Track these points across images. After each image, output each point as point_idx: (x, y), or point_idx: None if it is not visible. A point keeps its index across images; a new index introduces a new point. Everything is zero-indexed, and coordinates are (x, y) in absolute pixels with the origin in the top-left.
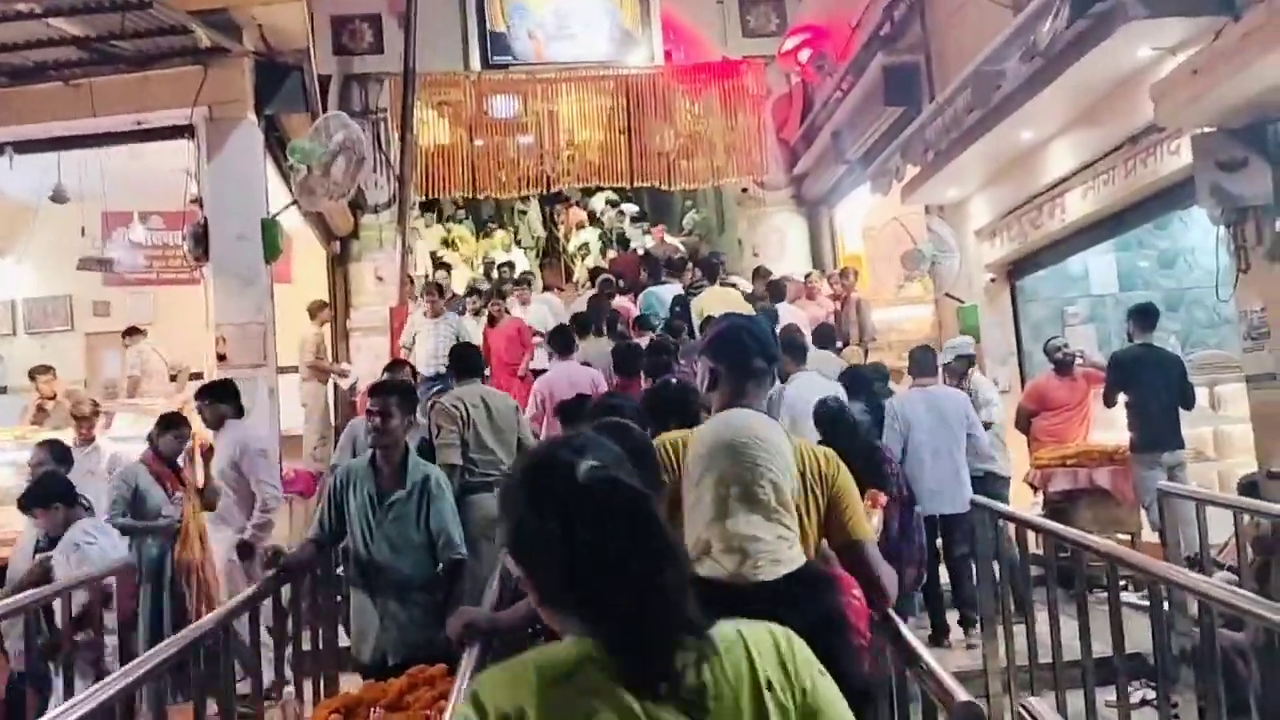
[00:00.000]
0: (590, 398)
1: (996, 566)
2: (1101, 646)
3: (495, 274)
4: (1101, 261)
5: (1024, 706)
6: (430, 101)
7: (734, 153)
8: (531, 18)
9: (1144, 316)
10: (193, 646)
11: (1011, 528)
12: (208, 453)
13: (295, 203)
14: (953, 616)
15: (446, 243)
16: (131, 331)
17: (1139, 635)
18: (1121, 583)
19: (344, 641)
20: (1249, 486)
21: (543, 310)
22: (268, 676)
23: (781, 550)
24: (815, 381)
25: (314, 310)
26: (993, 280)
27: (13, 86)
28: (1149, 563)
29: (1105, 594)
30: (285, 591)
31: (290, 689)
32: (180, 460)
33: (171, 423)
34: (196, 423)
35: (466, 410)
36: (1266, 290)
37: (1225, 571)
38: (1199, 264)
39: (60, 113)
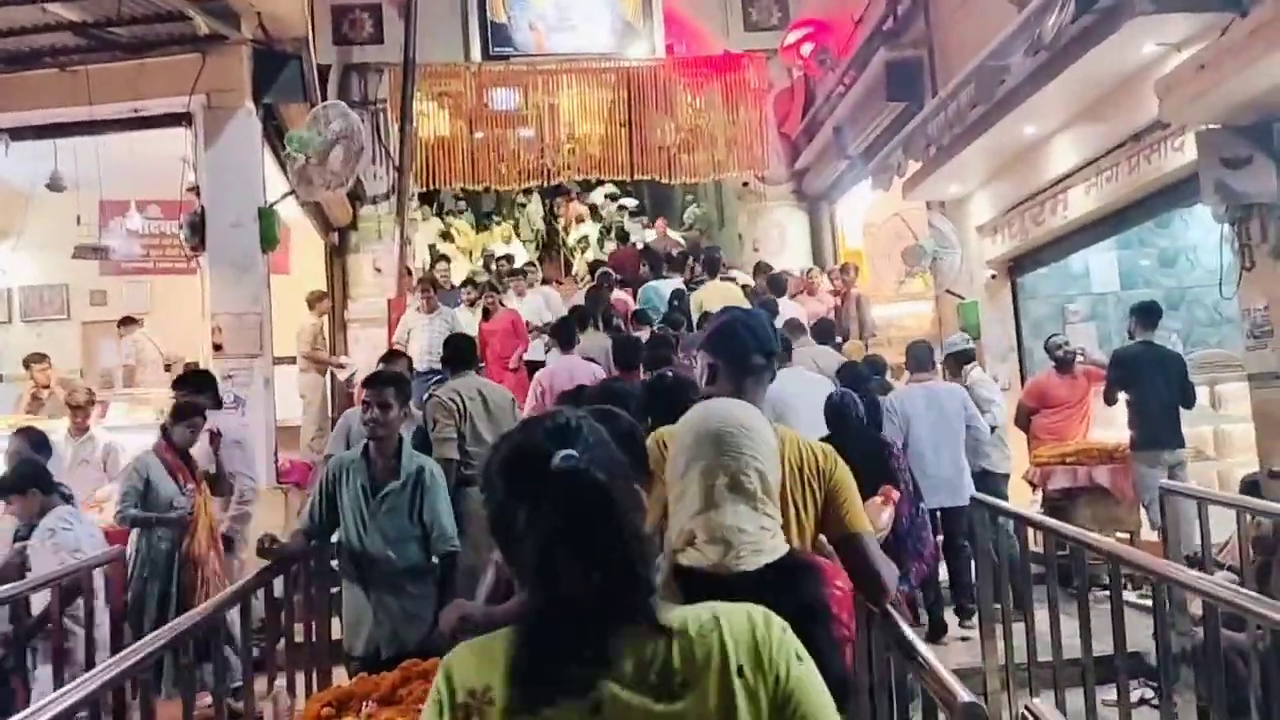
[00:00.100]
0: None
1: (996, 561)
2: (1099, 645)
3: (494, 267)
4: (1103, 259)
5: (1028, 709)
6: (430, 92)
7: (735, 147)
8: (532, 9)
9: (1146, 314)
10: (183, 638)
11: (1011, 524)
12: (216, 440)
13: (293, 192)
14: (951, 614)
15: (445, 235)
16: (127, 321)
17: (1136, 634)
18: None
19: (336, 634)
20: (1250, 486)
21: (538, 302)
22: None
23: (764, 540)
24: (802, 376)
25: (313, 301)
26: (994, 277)
27: (8, 72)
28: (1152, 561)
29: (1103, 592)
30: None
31: (281, 682)
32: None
33: (185, 412)
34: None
35: (463, 403)
36: (1270, 288)
37: (1226, 571)
38: (1200, 263)
39: (56, 99)
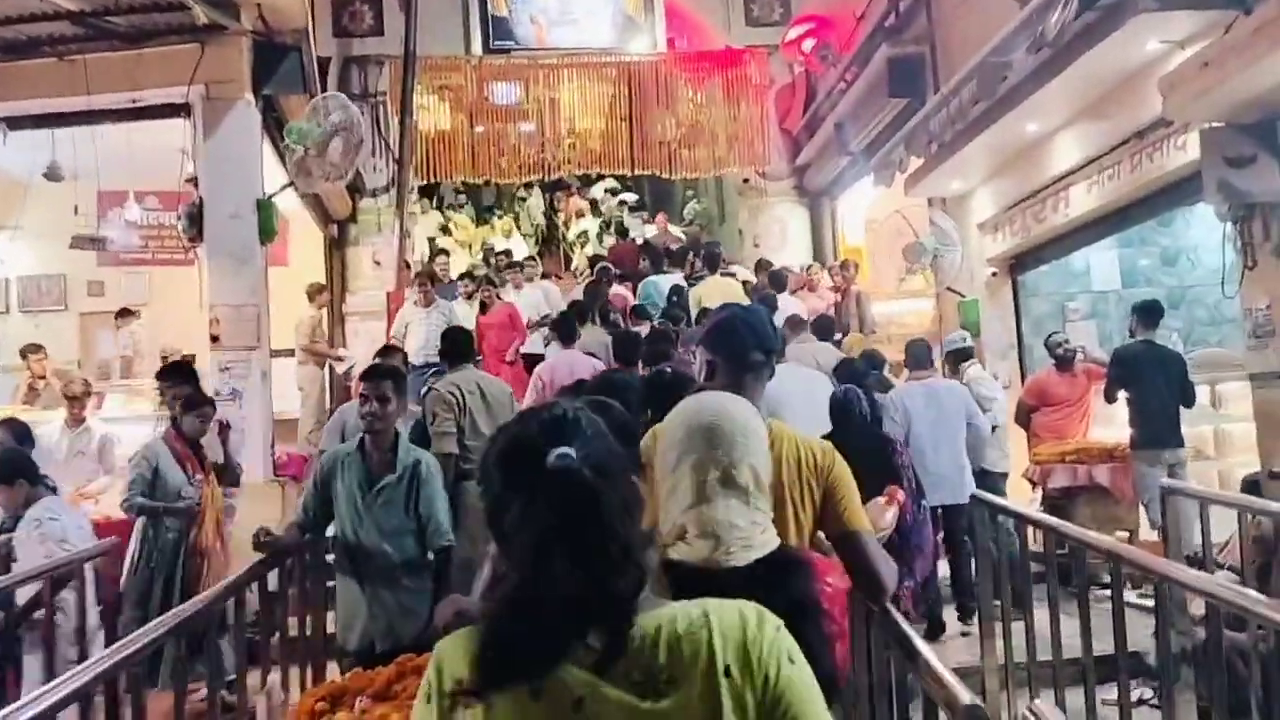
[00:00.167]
0: None
1: (996, 560)
2: (1098, 645)
3: (493, 261)
4: (1104, 258)
5: (1030, 710)
6: (431, 85)
7: (736, 142)
8: (534, 3)
9: (1148, 313)
10: (177, 631)
11: (1011, 523)
12: (225, 431)
13: (292, 184)
14: (951, 613)
15: (444, 229)
16: (124, 313)
17: (1135, 634)
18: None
19: (331, 628)
20: (1251, 485)
21: (537, 296)
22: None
23: (754, 535)
24: (799, 372)
25: (312, 293)
26: (994, 274)
27: (6, 61)
28: (1154, 561)
29: (1102, 590)
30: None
31: (275, 676)
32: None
33: (195, 402)
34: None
35: (463, 397)
36: (1272, 288)
37: (1226, 571)
38: (1201, 262)
39: (55, 89)
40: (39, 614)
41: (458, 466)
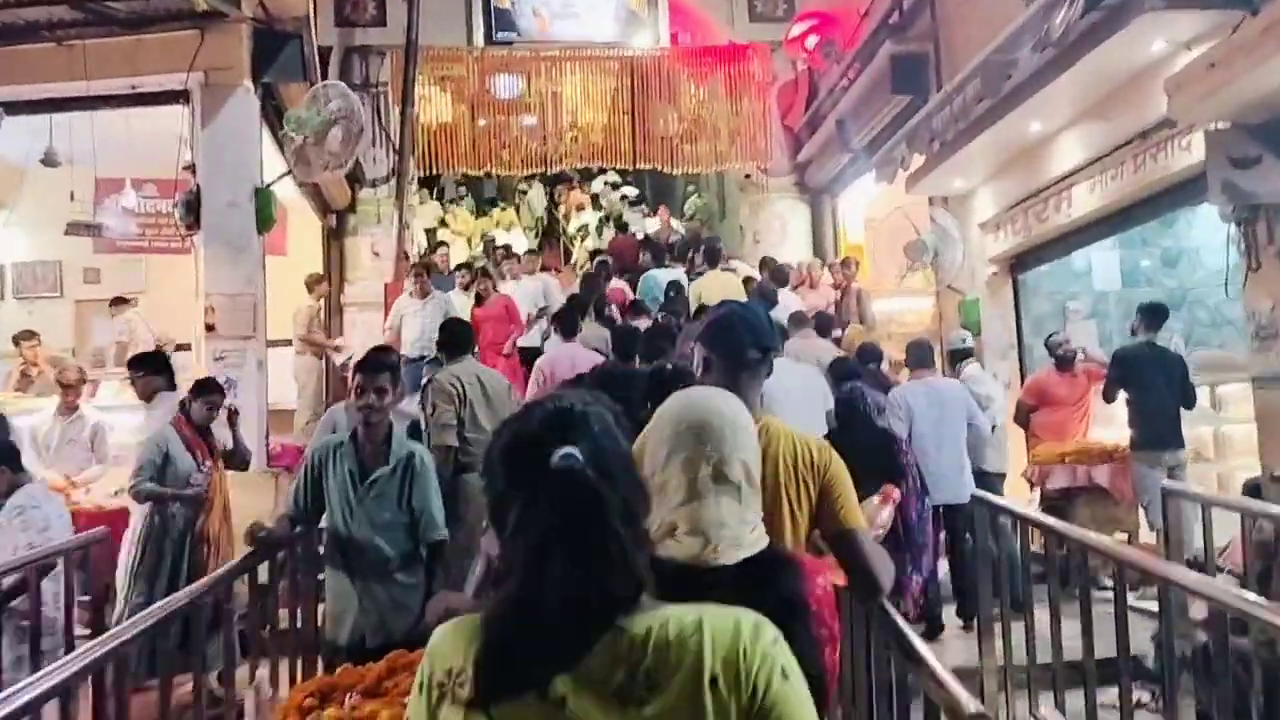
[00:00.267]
0: None
1: (996, 560)
2: (1095, 647)
3: (493, 254)
4: (1105, 258)
5: (1034, 718)
6: (432, 76)
7: (738, 138)
8: None
9: (1153, 314)
10: (165, 623)
11: (1009, 524)
12: (234, 417)
13: (290, 173)
14: (952, 615)
15: (442, 221)
16: (119, 301)
17: (1133, 637)
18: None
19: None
20: (1252, 489)
21: (536, 288)
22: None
23: (744, 534)
24: (794, 368)
25: (311, 284)
26: (995, 273)
27: (5, 46)
28: (1158, 565)
29: (1099, 592)
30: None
31: (263, 671)
32: (214, 428)
33: (203, 389)
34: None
35: (463, 388)
36: (1276, 290)
37: (1226, 574)
38: (1203, 263)
39: (52, 74)
40: (15, 603)
41: (457, 459)
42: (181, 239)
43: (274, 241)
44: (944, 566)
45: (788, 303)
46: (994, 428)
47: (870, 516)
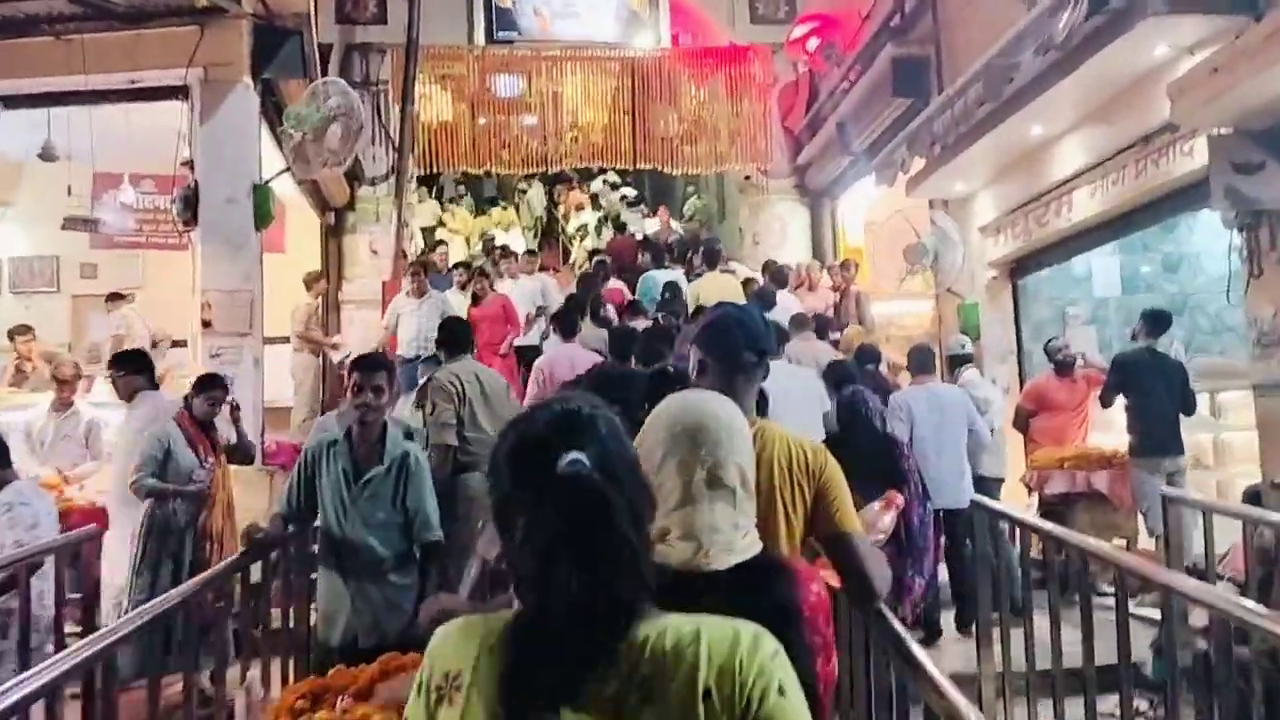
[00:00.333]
0: None
1: (995, 566)
2: (1095, 654)
3: (494, 252)
4: (1105, 263)
5: None
6: (433, 74)
7: (738, 139)
8: None
9: (1155, 320)
10: (155, 622)
11: (1006, 529)
12: (236, 412)
13: (289, 169)
14: (951, 621)
15: (440, 221)
16: (114, 297)
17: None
18: (1114, 588)
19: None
20: (1252, 497)
21: (535, 287)
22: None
23: (736, 540)
24: (791, 370)
25: (309, 281)
26: (995, 277)
27: (2, 39)
28: (1160, 573)
29: (1098, 598)
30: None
31: (254, 672)
32: (217, 423)
33: (206, 384)
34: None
35: (463, 387)
36: (1278, 297)
37: (1226, 582)
38: (1203, 269)
39: (51, 68)
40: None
41: (456, 459)
42: (179, 235)
43: (272, 238)
44: (943, 572)
45: (787, 304)
46: (991, 431)
47: (873, 521)
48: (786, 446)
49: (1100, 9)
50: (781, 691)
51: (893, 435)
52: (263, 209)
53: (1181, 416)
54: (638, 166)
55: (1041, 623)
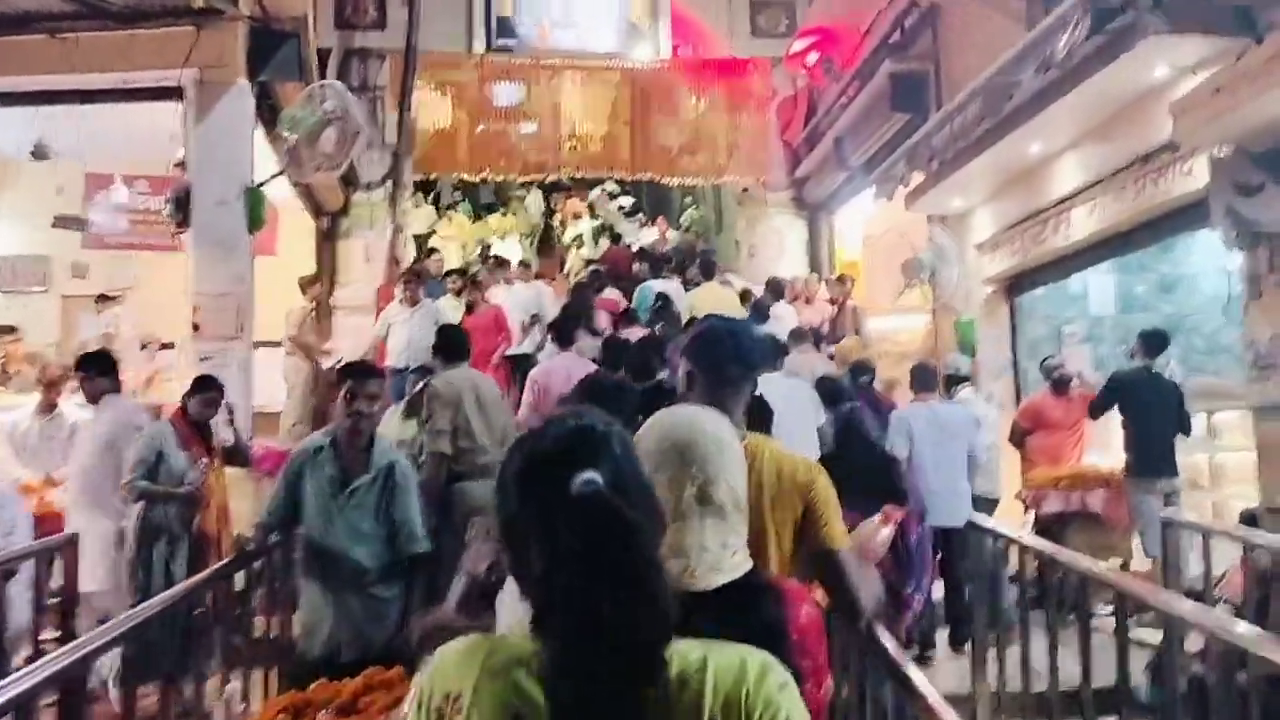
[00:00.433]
0: None
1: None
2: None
3: (489, 260)
4: (1102, 282)
5: None
6: (432, 81)
7: (736, 151)
8: (538, 3)
9: (1153, 341)
10: (137, 630)
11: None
12: (231, 414)
13: (282, 173)
14: (945, 640)
15: (433, 228)
16: (104, 298)
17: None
18: (1109, 609)
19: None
20: (1249, 519)
21: (530, 295)
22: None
23: (724, 559)
24: (782, 382)
25: (304, 285)
26: (992, 294)
27: None
28: (1160, 597)
29: (1091, 619)
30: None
31: (234, 685)
32: (213, 425)
33: (201, 385)
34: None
35: (459, 395)
36: (1277, 319)
37: (1223, 605)
38: (1199, 290)
39: (44, 66)
40: None
41: (450, 468)
42: (171, 236)
43: (265, 242)
44: (938, 589)
45: (784, 316)
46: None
47: (868, 537)
48: (776, 461)
49: (1101, 28)
50: None
51: (889, 452)
52: (255, 212)
53: (1177, 438)
54: (636, 177)
55: (1036, 643)
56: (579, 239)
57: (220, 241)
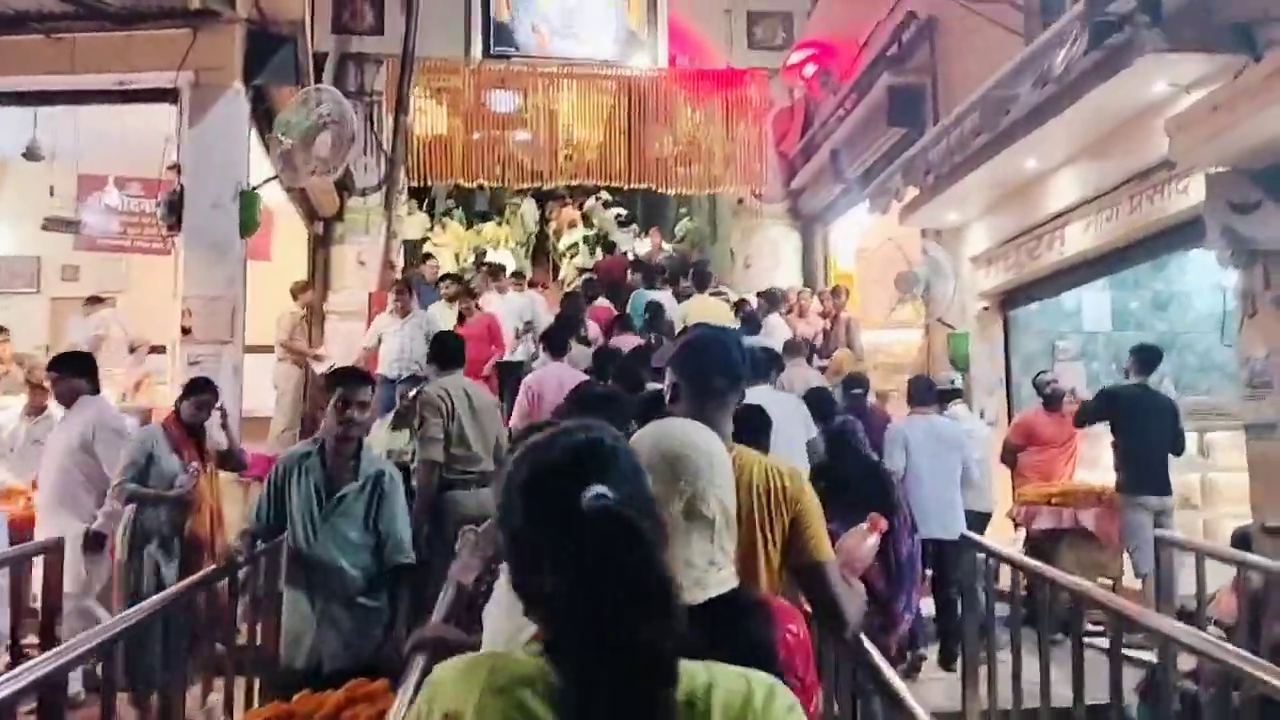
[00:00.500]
0: None
1: (983, 603)
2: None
3: (484, 268)
4: (1096, 299)
5: None
6: (429, 87)
7: (732, 162)
8: (536, 11)
9: (1146, 357)
10: (120, 637)
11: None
12: (225, 417)
13: (276, 177)
14: (934, 657)
15: (427, 235)
16: (93, 300)
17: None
18: (1099, 627)
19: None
20: (1241, 539)
21: (524, 302)
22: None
23: (710, 575)
24: (774, 396)
25: (296, 290)
26: (985, 309)
27: None
28: (1154, 618)
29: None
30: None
31: (215, 696)
32: (206, 428)
33: (195, 388)
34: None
35: (452, 403)
36: (1271, 337)
37: (1214, 626)
38: (1193, 307)
39: (39, 67)
40: None
41: (442, 476)
42: (163, 239)
43: (258, 246)
44: (928, 604)
45: (777, 328)
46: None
47: (855, 545)
48: (764, 473)
49: (1099, 44)
50: None
51: (881, 464)
52: (248, 216)
53: (1170, 456)
54: (631, 186)
55: (1026, 660)
56: (574, 248)
57: (213, 245)
